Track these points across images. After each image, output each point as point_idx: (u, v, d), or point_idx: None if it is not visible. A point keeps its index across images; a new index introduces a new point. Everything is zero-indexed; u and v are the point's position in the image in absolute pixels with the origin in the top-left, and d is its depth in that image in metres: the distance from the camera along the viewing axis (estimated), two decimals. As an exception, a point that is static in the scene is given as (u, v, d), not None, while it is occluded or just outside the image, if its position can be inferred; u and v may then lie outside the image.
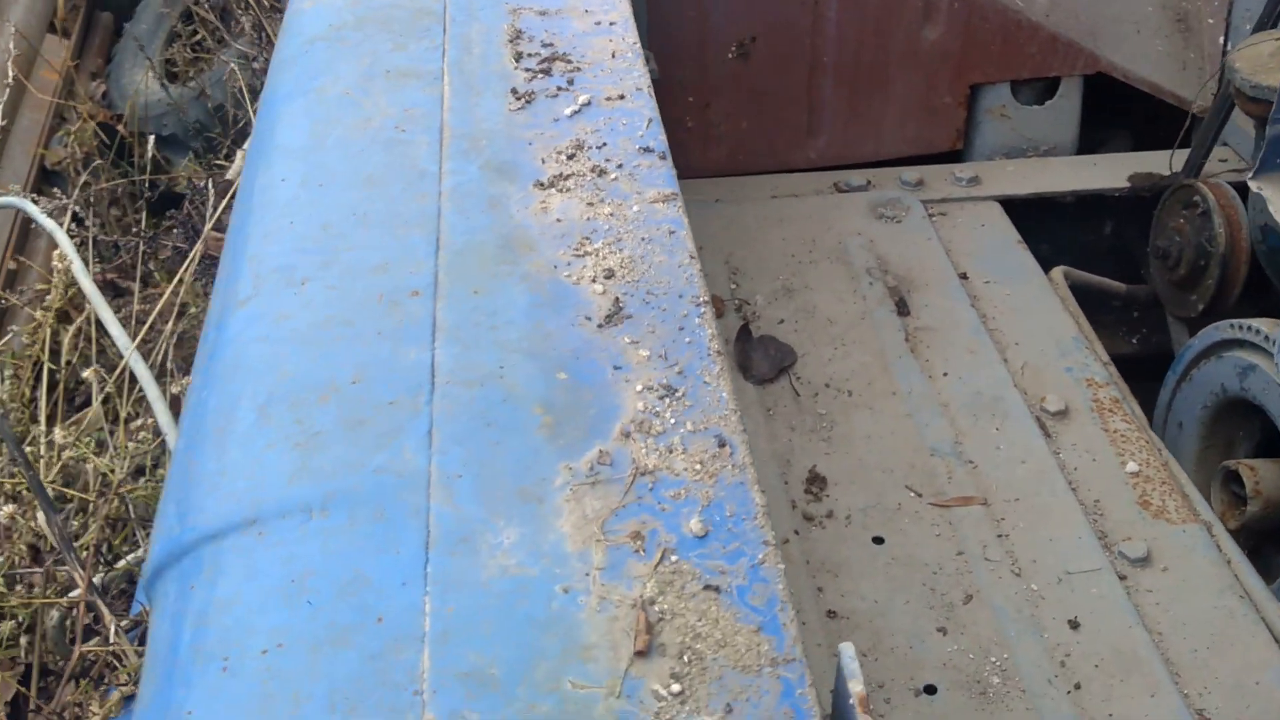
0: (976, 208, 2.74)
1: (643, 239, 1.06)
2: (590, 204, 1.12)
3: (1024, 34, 2.81)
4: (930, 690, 1.71)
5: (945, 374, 2.28)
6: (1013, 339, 2.37)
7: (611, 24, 1.46)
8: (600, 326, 0.95)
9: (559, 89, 1.32)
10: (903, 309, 2.44)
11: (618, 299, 0.98)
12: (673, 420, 0.87)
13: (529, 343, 0.95)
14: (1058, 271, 2.67)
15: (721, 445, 0.86)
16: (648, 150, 1.20)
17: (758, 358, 2.34)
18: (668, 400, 0.89)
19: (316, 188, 1.16)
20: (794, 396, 2.25)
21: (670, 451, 0.85)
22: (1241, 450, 2.46)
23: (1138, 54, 2.87)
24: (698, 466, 0.83)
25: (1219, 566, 1.89)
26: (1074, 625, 1.79)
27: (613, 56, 1.39)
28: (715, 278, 2.52)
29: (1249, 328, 2.26)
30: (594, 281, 1.00)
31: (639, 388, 0.91)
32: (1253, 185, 1.73)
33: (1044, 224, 2.83)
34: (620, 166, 1.18)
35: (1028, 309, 2.46)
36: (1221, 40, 2.88)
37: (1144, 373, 2.82)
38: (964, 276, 2.53)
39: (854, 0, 2.71)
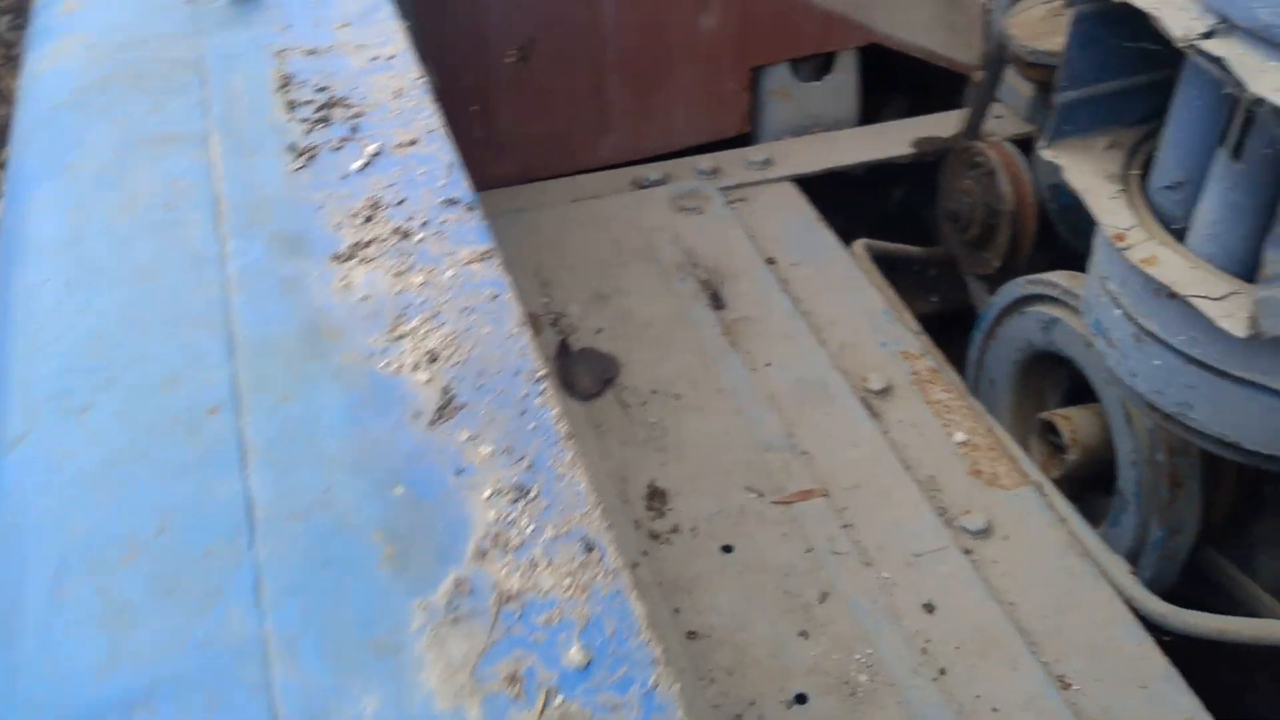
0: (773, 190, 2.74)
1: (463, 309, 0.96)
2: (398, 274, 1.01)
3: (798, 14, 2.82)
4: (801, 699, 1.69)
5: (768, 364, 2.26)
6: (827, 320, 2.38)
7: (390, 58, 1.34)
8: (432, 423, 0.85)
9: (343, 139, 1.20)
10: (717, 302, 2.41)
11: (446, 387, 0.88)
12: (530, 528, 0.79)
13: (355, 454, 0.83)
14: (859, 245, 2.69)
15: (589, 549, 0.78)
16: (453, 202, 1.10)
17: (580, 373, 2.27)
18: (521, 504, 0.80)
19: (83, 289, 1.00)
20: (622, 408, 2.19)
21: (534, 567, 0.76)
22: (1052, 400, 2.55)
23: (907, 22, 2.93)
24: (566, 580, 0.75)
25: (1055, 527, 1.94)
26: (929, 609, 1.80)
27: (397, 95, 1.28)
28: (527, 292, 2.43)
29: (1047, 282, 2.33)
30: (416, 369, 0.90)
31: (487, 493, 0.82)
32: (1047, 155, 1.75)
33: (838, 198, 2.85)
34: (425, 225, 1.07)
35: (836, 287, 2.47)
36: (983, 1, 2.97)
37: (947, 328, 2.89)
38: (771, 261, 2.52)
39: (628, -3, 2.66)
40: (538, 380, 0.87)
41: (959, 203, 2.74)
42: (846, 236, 2.66)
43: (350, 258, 1.03)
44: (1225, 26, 1.43)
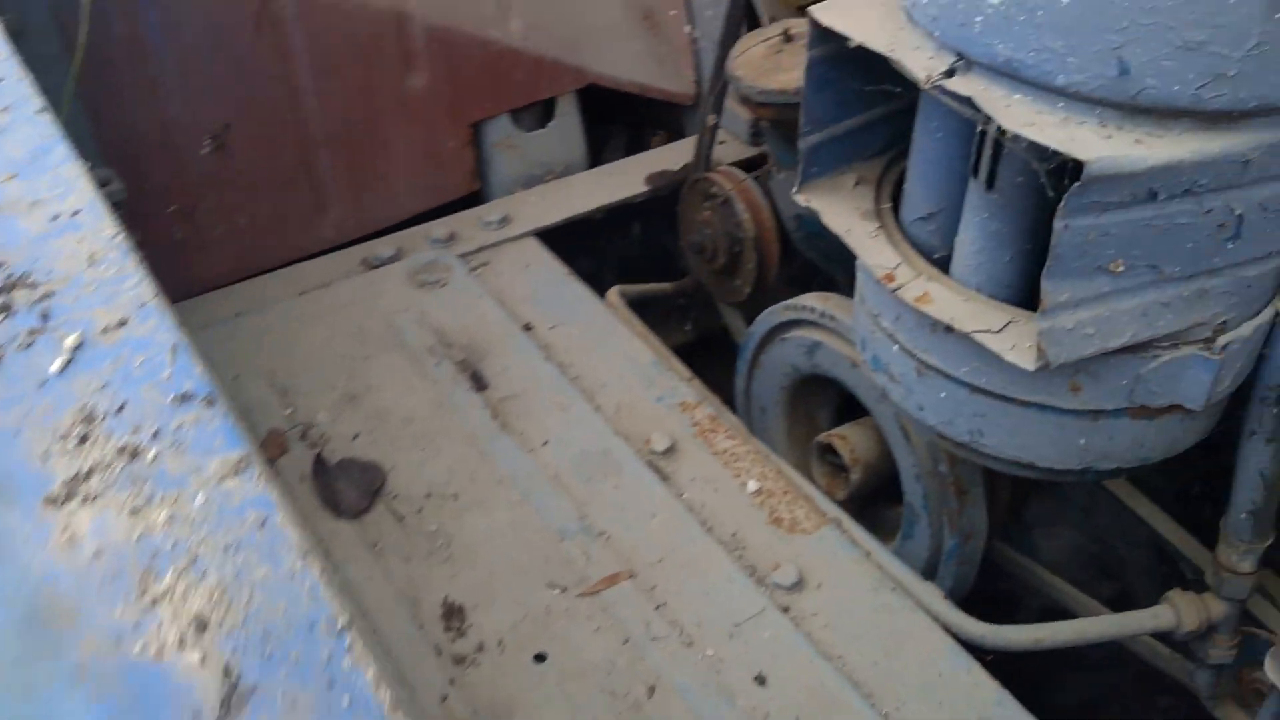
0: (515, 248, 2.62)
1: (227, 547, 0.78)
2: (135, 511, 0.80)
3: (509, 63, 2.70)
4: (652, 811, 1.58)
5: (545, 443, 2.13)
6: (598, 383, 2.28)
7: (76, 214, 1.11)
8: (222, 724, 0.66)
9: (31, 333, 0.97)
10: (479, 383, 2.26)
11: (227, 667, 0.69)
12: None
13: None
14: (613, 294, 2.61)
15: None
16: (186, 398, 0.90)
17: (343, 488, 2.07)
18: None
19: None
20: (397, 520, 2.01)
21: None
22: (823, 421, 2.55)
23: (619, 59, 2.87)
24: None
25: (863, 563, 1.91)
26: (761, 681, 1.73)
27: (92, 262, 1.05)
28: (265, 406, 2.20)
29: (803, 308, 2.32)
30: (183, 647, 0.71)
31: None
32: (800, 200, 1.71)
33: (582, 244, 2.77)
34: (157, 435, 0.87)
35: (600, 344, 2.38)
36: (687, 29, 2.95)
37: (705, 354, 2.86)
38: (528, 328, 2.39)
39: (327, 65, 2.46)
40: (340, 632, 0.71)
41: (701, 234, 2.70)
42: (596, 282, 2.57)
43: (69, 498, 0.82)
44: (964, 64, 1.42)
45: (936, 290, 1.58)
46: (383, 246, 2.56)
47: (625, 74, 2.87)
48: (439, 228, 2.61)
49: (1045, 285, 1.38)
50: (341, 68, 2.47)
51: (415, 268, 2.51)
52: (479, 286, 2.48)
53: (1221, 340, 1.52)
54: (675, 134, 3.16)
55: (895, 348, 1.70)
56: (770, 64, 1.97)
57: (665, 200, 2.83)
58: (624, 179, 2.82)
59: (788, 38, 2.00)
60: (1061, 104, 1.35)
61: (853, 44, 1.51)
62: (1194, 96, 1.28)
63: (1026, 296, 1.61)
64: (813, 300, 2.31)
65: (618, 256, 2.95)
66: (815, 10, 1.56)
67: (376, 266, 2.53)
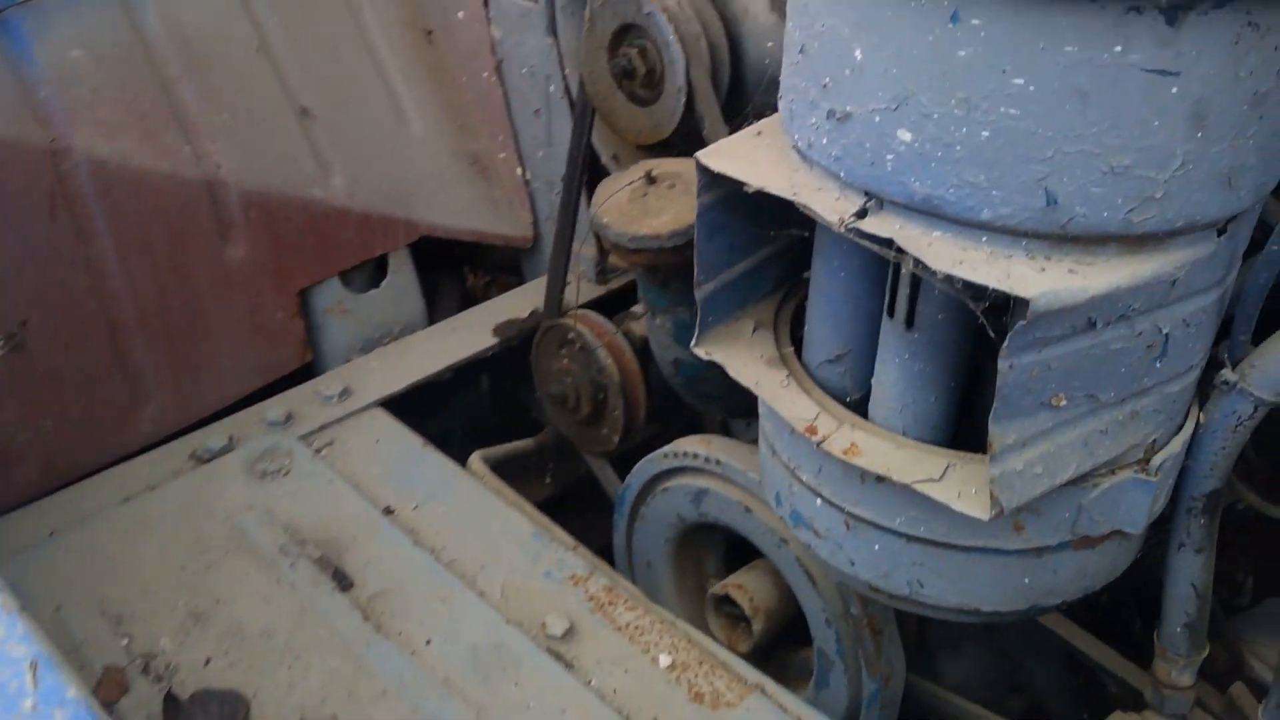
0: (362, 422, 2.40)
1: None
2: None
3: (335, 222, 2.52)
4: None
5: (429, 641, 1.91)
6: (477, 564, 2.07)
7: None
8: None
9: None
10: (344, 582, 2.02)
11: None
12: None
13: None
14: (476, 461, 2.43)
15: None
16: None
17: (202, 727, 1.78)
18: None
19: None
20: (270, 757, 1.74)
21: None
22: (713, 568, 2.41)
23: (451, 207, 2.72)
24: None
25: (798, 733, 1.76)
26: None
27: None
28: (96, 640, 1.90)
29: (685, 454, 2.19)
30: None
31: None
32: (702, 354, 1.59)
33: (430, 408, 2.57)
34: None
35: (471, 519, 2.18)
36: (519, 171, 2.84)
37: (568, 506, 2.70)
38: (389, 511, 2.17)
39: (135, 244, 2.22)
40: None
41: (561, 384, 2.55)
42: (446, 445, 2.37)
43: None
44: (875, 203, 1.34)
45: (863, 440, 1.48)
46: (213, 436, 2.30)
47: (459, 222, 2.73)
48: (274, 408, 2.37)
49: (993, 429, 1.29)
50: (151, 245, 2.23)
51: (253, 457, 2.26)
52: (328, 470, 2.24)
53: (1155, 460, 1.46)
54: (514, 278, 3.03)
55: (819, 501, 1.58)
56: (638, 208, 1.86)
57: (515, 350, 2.68)
58: (469, 333, 2.66)
59: (651, 179, 1.91)
60: (985, 238, 1.28)
61: (751, 189, 1.41)
62: (1123, 221, 1.23)
63: (950, 432, 1.53)
64: (694, 445, 2.18)
65: (466, 414, 2.77)
66: (704, 157, 1.46)
67: (208, 460, 2.26)
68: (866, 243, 1.32)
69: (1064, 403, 1.33)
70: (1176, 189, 1.22)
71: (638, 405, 2.49)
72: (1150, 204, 1.23)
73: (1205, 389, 1.53)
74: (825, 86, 1.33)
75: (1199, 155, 1.20)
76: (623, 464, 2.62)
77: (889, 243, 1.30)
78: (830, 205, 1.35)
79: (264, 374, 2.48)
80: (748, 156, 1.47)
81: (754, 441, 2.47)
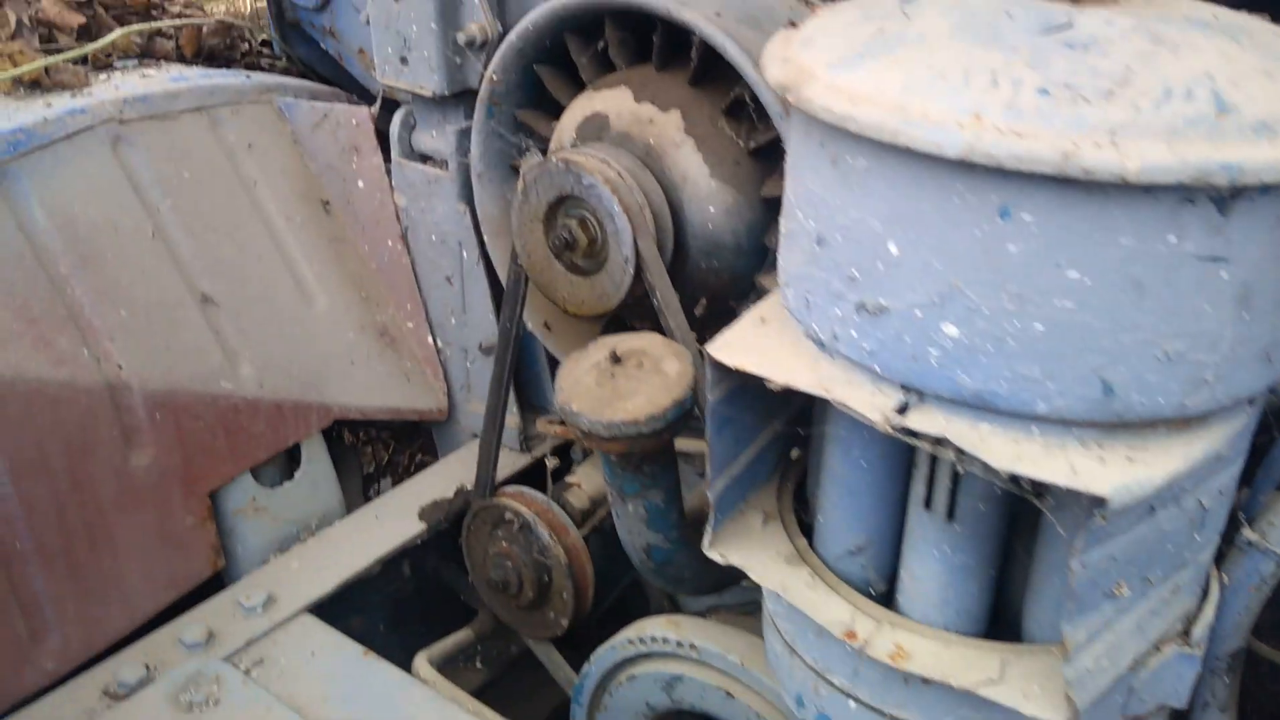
0: (292, 634, 2.19)
1: None
2: None
3: (246, 415, 2.32)
4: None
5: None
6: (447, 789, 1.88)
7: None
8: None
9: None
10: (302, 828, 1.80)
11: None
12: None
13: None
14: (421, 663, 2.25)
15: None
16: None
17: None
18: None
19: None
20: None
21: None
22: (686, 754, 2.27)
23: (363, 386, 2.56)
24: None
25: None
26: None
27: None
28: None
29: (653, 639, 2.06)
30: None
31: None
32: (717, 557, 1.50)
33: (360, 607, 2.38)
34: None
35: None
36: (430, 340, 2.71)
37: (504, 695, 2.54)
38: (339, 734, 1.97)
39: (33, 464, 1.98)
40: None
41: (502, 569, 2.39)
42: (370, 641, 2.18)
43: None
44: (915, 397, 1.27)
45: (909, 641, 1.39)
46: (126, 667, 2.05)
47: (372, 401, 2.57)
48: (192, 627, 2.14)
49: (1067, 631, 1.23)
50: (49, 462, 2.00)
51: (175, 688, 2.02)
52: (263, 695, 2.02)
53: (1195, 631, 1.43)
54: (427, 452, 2.87)
55: (853, 704, 1.49)
56: (607, 391, 1.76)
57: (442, 533, 2.52)
58: (394, 520, 2.48)
59: (616, 359, 1.81)
60: (1036, 429, 1.23)
61: (776, 387, 1.33)
62: (1178, 405, 1.20)
63: (988, 621, 1.46)
64: (662, 629, 2.06)
65: (391, 604, 2.58)
66: (716, 350, 1.38)
67: (124, 696, 2.01)
68: (915, 441, 1.26)
69: (1126, 591, 1.28)
70: (1225, 369, 1.20)
71: (586, 585, 2.36)
72: (1202, 386, 1.20)
73: (1222, 548, 1.51)
74: (852, 279, 1.27)
75: (1245, 335, 1.19)
76: (563, 643, 2.48)
77: (940, 439, 1.24)
78: (867, 402, 1.29)
79: (174, 587, 2.24)
80: (760, 348, 1.40)
81: (705, 614, 2.37)
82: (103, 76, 2.45)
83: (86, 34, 2.64)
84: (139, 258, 2.20)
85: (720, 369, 1.39)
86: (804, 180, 1.32)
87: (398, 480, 2.77)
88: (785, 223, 1.40)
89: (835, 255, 1.29)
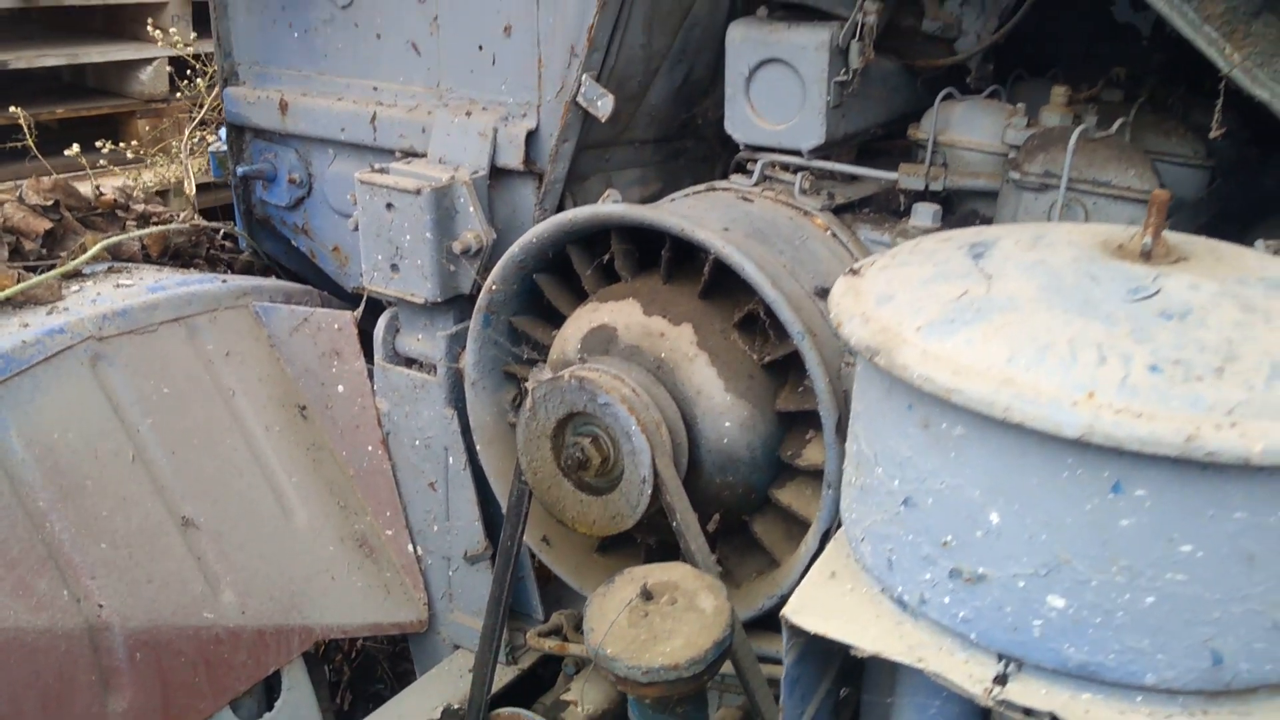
0: None
1: None
2: None
3: (227, 646, 2.17)
4: None
5: None
6: None
7: None
8: None
9: None
10: None
11: None
12: None
13: None
14: None
15: None
16: None
17: None
18: None
19: None
20: None
21: None
22: None
23: (345, 603, 2.43)
24: None
25: None
26: None
27: None
28: None
29: None
30: None
31: None
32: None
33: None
34: None
35: None
36: (410, 548, 2.59)
37: None
38: None
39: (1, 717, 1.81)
40: None
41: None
42: None
43: None
44: (1014, 666, 1.23)
45: None
46: None
47: (353, 618, 2.43)
48: None
49: None
50: (22, 718, 1.83)
51: None
52: None
53: None
54: (403, 658, 2.72)
55: None
56: (643, 633, 1.68)
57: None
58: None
59: (647, 595, 1.73)
60: (1140, 698, 1.20)
61: (863, 655, 1.28)
62: (1284, 672, 1.17)
63: None
64: None
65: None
66: (794, 616, 1.33)
67: None
68: (1016, 714, 1.21)
69: None
70: (1326, 630, 1.18)
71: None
72: (1307, 650, 1.18)
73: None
74: (946, 545, 1.23)
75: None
76: None
77: (1043, 714, 1.19)
78: (963, 672, 1.24)
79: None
80: (837, 609, 1.34)
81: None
82: (75, 287, 2.35)
83: (52, 238, 2.55)
84: (119, 484, 2.08)
85: (796, 632, 1.33)
86: (886, 438, 1.29)
87: (371, 692, 2.62)
88: (858, 475, 1.37)
89: (926, 519, 1.25)
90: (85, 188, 2.83)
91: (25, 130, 3.90)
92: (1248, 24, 1.79)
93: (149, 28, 4.48)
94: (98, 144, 4.12)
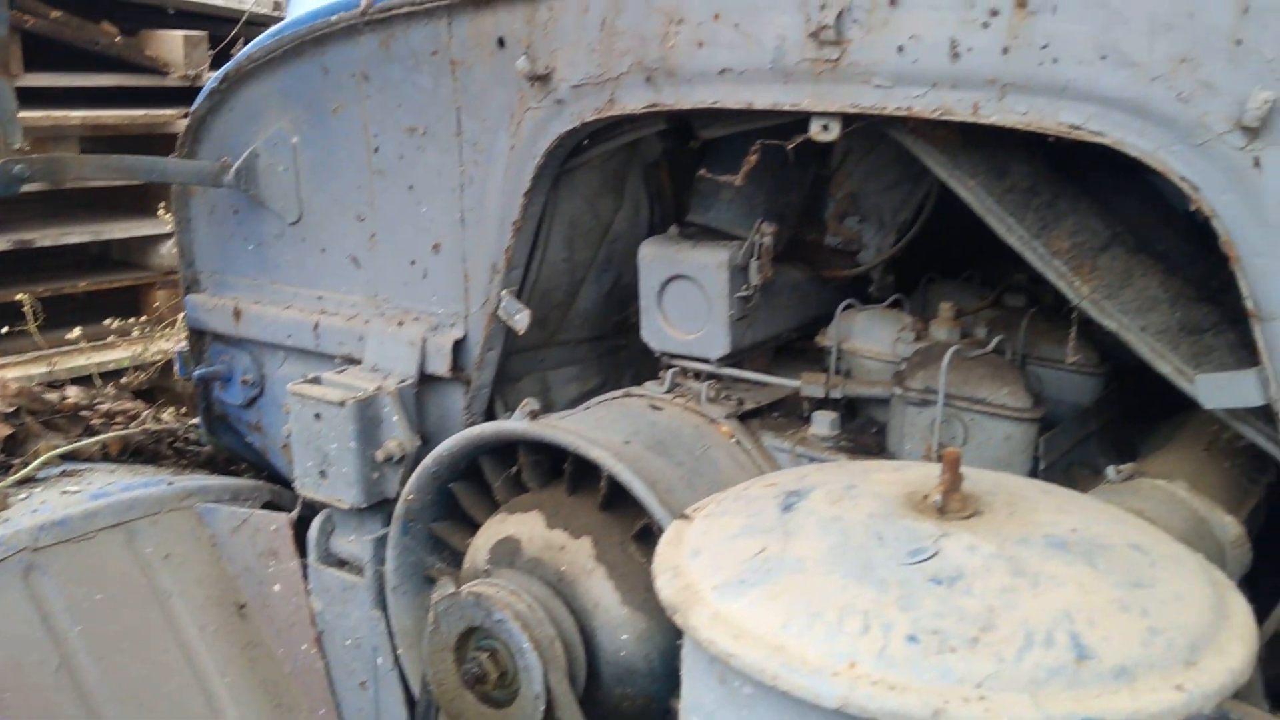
0: None
1: None
2: None
3: None
4: None
5: None
6: None
7: None
8: None
9: None
10: None
11: None
12: None
13: None
14: None
15: None
16: None
17: None
18: None
19: None
20: None
21: None
22: None
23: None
24: None
25: None
26: None
27: None
28: None
29: None
30: None
31: None
32: None
33: None
34: None
35: None
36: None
37: None
38: None
39: None
40: None
41: None
42: None
43: None
44: None
45: None
46: None
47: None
48: None
49: None
50: None
51: None
52: None
53: None
54: None
55: None
56: None
57: None
58: None
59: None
60: None
61: None
62: None
63: None
64: None
65: None
66: None
67: None
68: None
69: None
70: None
71: None
72: None
73: None
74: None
75: None
76: None
77: None
78: None
79: None
80: None
81: None
82: (23, 495, 2.47)
83: (13, 442, 2.68)
84: (41, 693, 2.15)
85: None
86: (696, 688, 1.35)
87: None
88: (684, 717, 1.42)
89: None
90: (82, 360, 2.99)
91: (29, 315, 4.13)
92: (1094, 258, 1.90)
93: (160, 210, 4.76)
94: (106, 321, 4.38)
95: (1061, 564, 1.25)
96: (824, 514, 1.36)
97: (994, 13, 1.70)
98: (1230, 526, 1.76)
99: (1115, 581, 1.24)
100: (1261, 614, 1.65)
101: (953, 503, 1.34)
